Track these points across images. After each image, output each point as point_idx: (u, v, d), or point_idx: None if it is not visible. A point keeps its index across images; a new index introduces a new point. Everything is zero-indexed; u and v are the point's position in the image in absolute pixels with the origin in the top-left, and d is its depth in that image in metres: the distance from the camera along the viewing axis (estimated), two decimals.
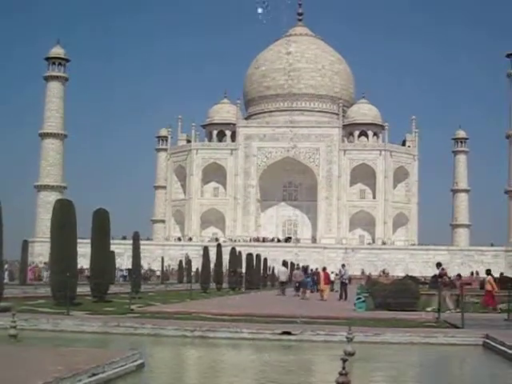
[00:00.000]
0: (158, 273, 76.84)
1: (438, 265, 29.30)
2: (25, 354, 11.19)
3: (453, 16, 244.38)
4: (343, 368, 7.60)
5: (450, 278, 28.48)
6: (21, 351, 11.62)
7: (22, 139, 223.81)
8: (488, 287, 28.40)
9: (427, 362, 14.05)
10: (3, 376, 8.70)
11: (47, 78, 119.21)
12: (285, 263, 53.54)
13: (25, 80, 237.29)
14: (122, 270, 71.65)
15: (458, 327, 18.40)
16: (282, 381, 10.81)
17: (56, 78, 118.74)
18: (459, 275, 32.84)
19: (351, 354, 10.58)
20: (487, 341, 15.16)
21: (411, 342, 15.85)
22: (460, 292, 27.84)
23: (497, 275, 67.80)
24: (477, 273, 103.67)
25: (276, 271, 68.99)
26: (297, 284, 44.15)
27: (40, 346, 13.62)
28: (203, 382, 10.87)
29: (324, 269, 42.46)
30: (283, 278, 46.48)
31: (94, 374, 9.42)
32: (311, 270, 54.09)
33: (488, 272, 29.74)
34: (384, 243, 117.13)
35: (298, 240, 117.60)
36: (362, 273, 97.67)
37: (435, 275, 28.42)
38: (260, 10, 22.92)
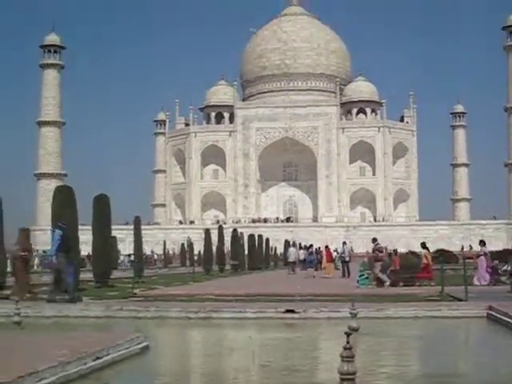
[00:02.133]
0: (162, 257, 76.90)
1: (374, 240, 28.97)
2: (29, 340, 11.19)
3: None
4: (347, 342, 7.58)
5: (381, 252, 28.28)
6: (25, 337, 11.62)
7: (21, 129, 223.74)
8: (424, 261, 28.09)
9: (432, 334, 14.08)
10: (7, 361, 8.69)
11: (43, 66, 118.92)
12: (294, 244, 54.18)
13: (21, 69, 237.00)
14: (129, 256, 71.89)
15: (461, 300, 18.43)
16: (286, 358, 10.81)
17: (52, 65, 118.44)
18: (395, 251, 32.99)
19: (355, 330, 10.58)
20: (491, 312, 15.18)
21: (415, 315, 15.86)
22: (394, 266, 28.50)
23: (498, 248, 68.03)
24: (475, 247, 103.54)
25: (279, 252, 69.54)
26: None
27: (44, 331, 13.63)
28: (208, 363, 10.89)
29: (326, 247, 42.68)
30: (292, 257, 47.10)
31: (98, 357, 9.42)
32: (315, 248, 54.14)
33: (423, 245, 29.01)
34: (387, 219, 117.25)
35: (290, 220, 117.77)
36: (352, 249, 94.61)
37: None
38: None
